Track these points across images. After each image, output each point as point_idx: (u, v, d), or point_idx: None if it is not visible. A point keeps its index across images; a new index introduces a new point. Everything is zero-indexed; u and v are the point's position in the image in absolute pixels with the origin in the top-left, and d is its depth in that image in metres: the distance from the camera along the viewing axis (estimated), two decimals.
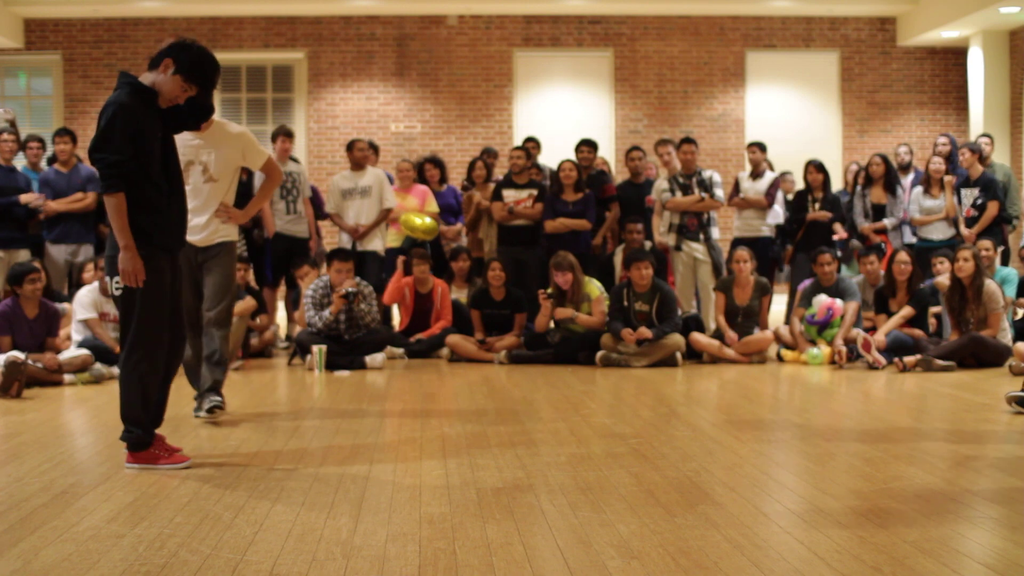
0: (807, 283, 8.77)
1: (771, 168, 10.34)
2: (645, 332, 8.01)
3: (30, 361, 6.93)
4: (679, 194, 9.19)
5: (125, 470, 4.39)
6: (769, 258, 9.78)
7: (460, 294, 9.20)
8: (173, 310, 4.58)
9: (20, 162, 9.59)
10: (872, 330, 8.28)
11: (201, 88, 4.50)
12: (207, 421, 5.63)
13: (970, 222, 9.59)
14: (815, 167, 9.69)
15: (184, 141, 5.41)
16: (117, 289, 4.43)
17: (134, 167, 4.35)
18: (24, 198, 8.78)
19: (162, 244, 4.48)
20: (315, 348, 7.92)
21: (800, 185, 10.38)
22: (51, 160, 9.49)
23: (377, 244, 9.19)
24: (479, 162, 9.81)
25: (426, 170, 9.86)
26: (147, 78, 4.47)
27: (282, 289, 9.74)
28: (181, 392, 6.94)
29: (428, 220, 9.16)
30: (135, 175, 4.37)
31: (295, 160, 9.61)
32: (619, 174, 13.17)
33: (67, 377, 7.21)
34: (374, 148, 10.26)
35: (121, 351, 4.51)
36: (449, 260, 9.34)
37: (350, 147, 9.33)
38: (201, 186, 5.58)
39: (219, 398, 5.73)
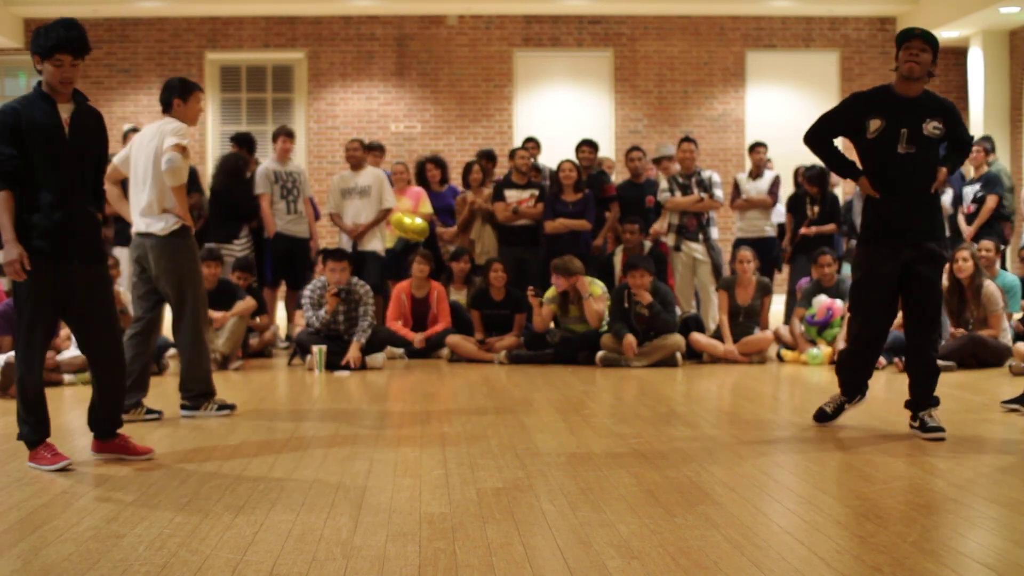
0: (804, 281, 8.77)
1: (771, 167, 10.32)
2: (631, 346, 7.99)
3: None
4: (678, 194, 9.19)
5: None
6: (772, 257, 9.77)
7: (459, 295, 9.19)
8: (92, 319, 4.58)
9: None
10: None
11: (71, 52, 4.41)
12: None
13: (972, 219, 9.58)
14: (807, 180, 9.56)
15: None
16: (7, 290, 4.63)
17: (18, 168, 4.35)
18: None
19: (37, 248, 4.40)
20: (315, 348, 7.92)
21: (790, 189, 10.30)
22: None
23: (377, 244, 9.20)
24: (475, 165, 9.81)
25: (427, 170, 9.87)
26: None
27: (282, 289, 9.73)
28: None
29: (418, 221, 9.20)
30: (24, 177, 4.37)
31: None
32: (619, 174, 13.17)
33: (67, 377, 7.21)
34: (380, 148, 10.26)
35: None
36: (450, 260, 9.33)
37: (346, 148, 9.47)
38: None
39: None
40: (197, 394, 5.89)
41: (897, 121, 5.05)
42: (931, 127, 5.06)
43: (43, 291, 4.46)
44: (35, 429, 4.53)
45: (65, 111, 4.46)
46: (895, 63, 5.13)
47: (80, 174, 4.51)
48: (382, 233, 9.26)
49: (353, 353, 7.95)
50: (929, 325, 5.12)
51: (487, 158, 10.18)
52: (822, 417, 5.42)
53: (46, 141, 4.41)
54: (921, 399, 5.14)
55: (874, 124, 5.08)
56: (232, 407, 5.95)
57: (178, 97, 5.79)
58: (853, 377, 5.35)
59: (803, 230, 9.44)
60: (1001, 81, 13.98)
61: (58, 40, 4.38)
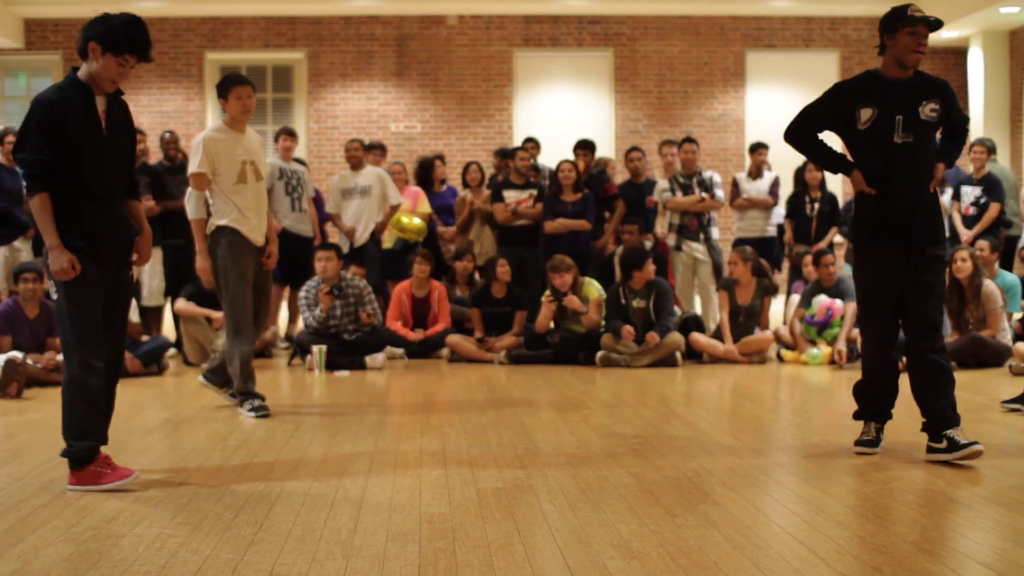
0: (798, 285, 8.77)
1: (768, 168, 10.34)
2: (654, 338, 7.99)
3: (29, 361, 6.94)
4: (679, 194, 9.19)
5: (67, 492, 4.06)
6: (772, 257, 9.76)
7: (464, 295, 9.19)
8: (115, 322, 4.28)
9: None
10: None
11: (138, 55, 4.20)
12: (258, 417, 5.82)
13: (970, 221, 9.56)
14: (815, 166, 9.64)
15: (234, 141, 5.87)
16: (55, 292, 4.15)
17: (57, 166, 4.07)
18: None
19: (85, 250, 4.12)
20: (315, 348, 7.92)
21: (790, 189, 10.29)
22: None
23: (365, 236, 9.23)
24: (473, 166, 9.83)
25: (436, 167, 9.94)
26: (84, 70, 4.18)
27: (284, 290, 9.71)
28: (180, 394, 6.95)
29: (417, 220, 9.21)
30: (62, 175, 4.08)
31: (301, 162, 9.65)
32: (620, 174, 13.17)
33: None
34: (381, 147, 10.26)
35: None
36: (453, 260, 9.33)
37: (346, 148, 9.50)
38: (255, 185, 5.94)
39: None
40: (236, 391, 6.02)
41: (891, 108, 4.58)
42: (928, 110, 4.61)
43: (94, 293, 4.16)
44: (92, 444, 4.15)
45: (101, 103, 4.22)
46: (885, 42, 4.61)
47: (117, 170, 4.27)
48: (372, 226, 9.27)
49: (365, 311, 8.22)
50: (932, 333, 4.61)
51: (503, 156, 10.19)
52: (873, 444, 4.75)
53: (86, 136, 4.12)
54: (944, 418, 4.54)
55: (865, 113, 4.61)
56: (263, 409, 5.88)
57: (220, 96, 5.95)
58: (880, 403, 4.79)
59: (815, 248, 9.39)
60: (1001, 81, 13.98)
61: (134, 41, 4.17)
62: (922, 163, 4.64)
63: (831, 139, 4.84)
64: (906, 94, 4.61)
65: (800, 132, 4.81)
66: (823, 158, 4.85)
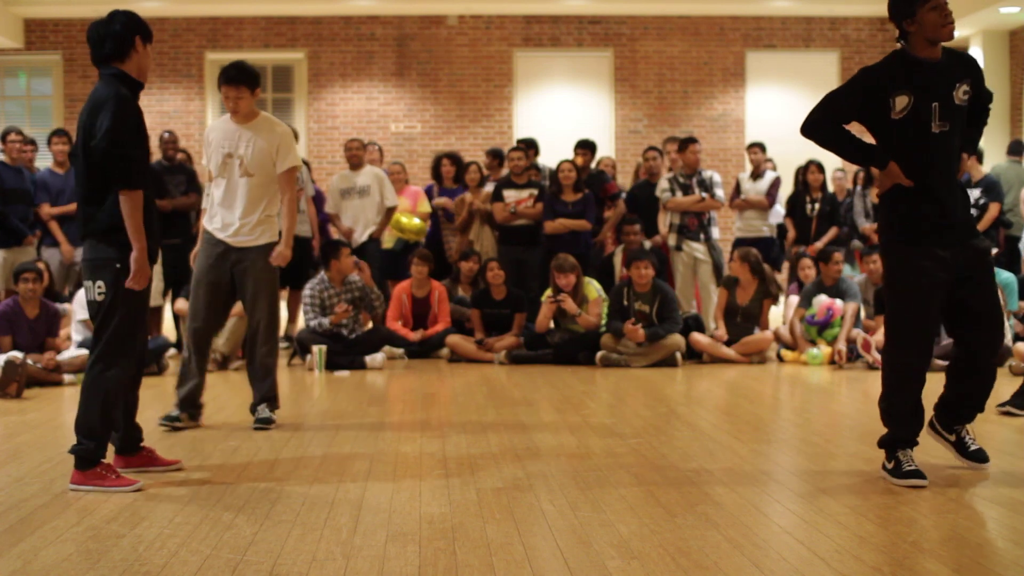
0: (792, 285, 8.78)
1: (774, 168, 10.33)
2: (639, 335, 7.97)
3: (29, 361, 6.94)
4: (679, 194, 9.19)
5: (67, 492, 4.05)
6: (771, 258, 9.76)
7: (466, 296, 9.18)
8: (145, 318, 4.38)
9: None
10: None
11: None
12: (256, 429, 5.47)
13: None
14: (817, 167, 9.67)
15: (226, 132, 5.49)
16: (100, 295, 4.14)
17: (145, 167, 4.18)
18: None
19: (151, 249, 4.22)
20: (315, 348, 7.93)
21: (790, 189, 10.29)
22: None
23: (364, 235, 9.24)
24: (472, 166, 9.83)
25: (442, 164, 9.91)
26: (131, 68, 4.24)
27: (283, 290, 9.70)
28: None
29: (417, 221, 9.20)
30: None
31: (304, 162, 9.64)
32: (623, 175, 13.16)
33: (67, 377, 7.21)
34: (375, 146, 10.26)
35: (89, 358, 4.25)
36: (459, 260, 9.31)
37: (346, 147, 9.48)
38: (237, 180, 5.50)
39: (267, 414, 5.58)
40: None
41: (926, 94, 4.12)
42: (961, 93, 4.16)
43: (146, 302, 4.26)
44: (102, 446, 4.18)
45: None
46: (907, 28, 4.14)
47: None
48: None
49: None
50: (998, 331, 4.28)
51: (494, 156, 10.18)
52: (920, 474, 4.13)
53: (144, 133, 4.24)
54: (962, 417, 4.39)
55: (901, 101, 4.12)
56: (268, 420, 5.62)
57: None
58: (912, 424, 4.23)
59: (809, 249, 9.38)
60: (1001, 81, 13.98)
61: (151, 30, 4.34)
62: (957, 153, 4.25)
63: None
64: (939, 77, 4.15)
65: (822, 123, 4.29)
66: (851, 149, 4.32)
